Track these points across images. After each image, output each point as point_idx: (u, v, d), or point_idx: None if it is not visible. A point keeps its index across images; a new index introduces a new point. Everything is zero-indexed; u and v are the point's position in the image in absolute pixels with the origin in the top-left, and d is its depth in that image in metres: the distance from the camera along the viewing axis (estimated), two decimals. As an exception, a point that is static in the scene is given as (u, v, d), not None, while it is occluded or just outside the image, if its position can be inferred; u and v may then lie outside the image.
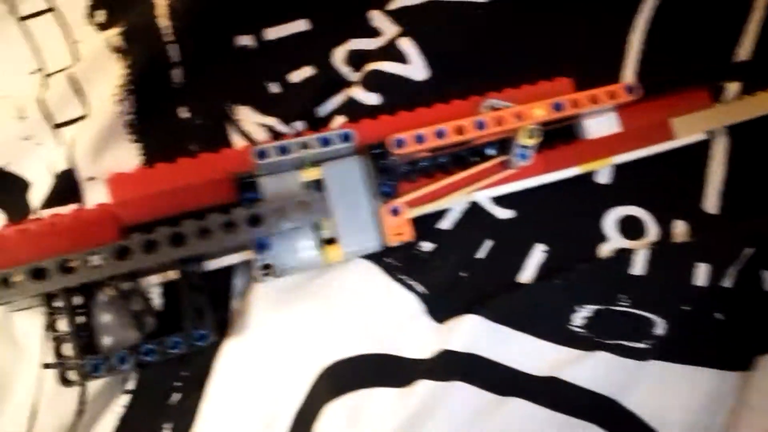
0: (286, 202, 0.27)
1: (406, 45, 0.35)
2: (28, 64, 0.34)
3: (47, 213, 0.29)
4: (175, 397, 0.30)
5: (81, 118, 0.32)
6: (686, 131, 0.36)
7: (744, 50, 0.36)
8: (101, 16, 0.35)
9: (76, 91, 0.32)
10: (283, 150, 0.29)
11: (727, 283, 0.31)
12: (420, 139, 0.30)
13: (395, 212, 0.28)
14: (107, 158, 0.30)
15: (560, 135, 0.34)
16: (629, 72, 0.37)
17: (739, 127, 0.35)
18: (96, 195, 0.30)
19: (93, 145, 0.30)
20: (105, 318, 0.26)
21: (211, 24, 0.33)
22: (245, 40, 0.34)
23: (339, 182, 0.30)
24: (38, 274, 0.23)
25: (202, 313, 0.27)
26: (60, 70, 0.33)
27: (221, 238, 0.25)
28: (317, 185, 0.30)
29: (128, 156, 0.31)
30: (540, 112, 0.31)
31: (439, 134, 0.30)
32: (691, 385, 0.29)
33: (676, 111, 0.36)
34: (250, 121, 0.33)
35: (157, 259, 0.24)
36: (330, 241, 0.29)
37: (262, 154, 0.28)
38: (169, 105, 0.32)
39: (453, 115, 0.32)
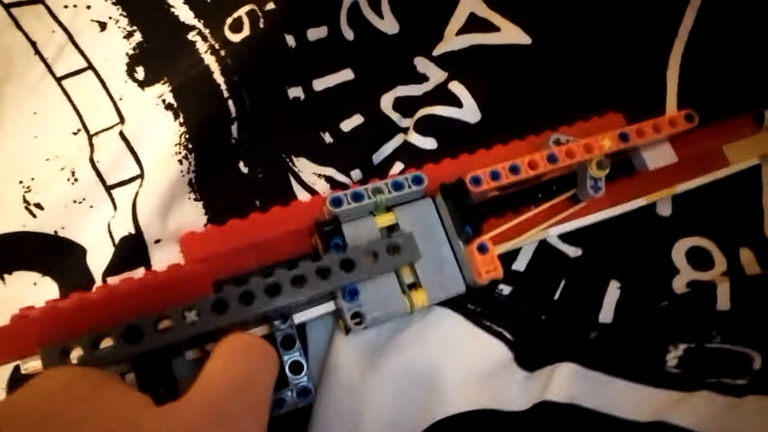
0: (376, 245, 0.27)
1: (457, 88, 0.37)
2: (71, 124, 0.34)
3: (113, 280, 0.29)
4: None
5: (135, 178, 0.32)
6: (739, 157, 0.38)
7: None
8: (140, 73, 0.36)
9: (128, 150, 0.32)
10: (357, 197, 0.30)
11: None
12: (495, 176, 0.31)
13: (482, 249, 0.29)
14: (171, 219, 0.30)
15: (619, 169, 0.36)
16: (671, 105, 0.39)
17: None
18: (164, 257, 0.30)
19: (156, 206, 0.30)
20: (188, 380, 0.25)
21: (263, 77, 0.34)
22: (296, 92, 0.36)
23: (415, 226, 0.31)
24: (133, 334, 0.23)
25: (300, 368, 0.26)
26: (106, 129, 0.34)
27: (315, 286, 0.26)
28: (391, 231, 0.31)
29: (193, 215, 0.31)
30: (608, 143, 0.33)
31: (514, 170, 0.31)
32: None
33: (726, 138, 0.39)
34: (309, 171, 0.34)
35: (254, 311, 0.24)
36: (411, 286, 0.30)
37: (337, 202, 0.29)
38: (230, 161, 0.33)
39: (513, 155, 0.33)
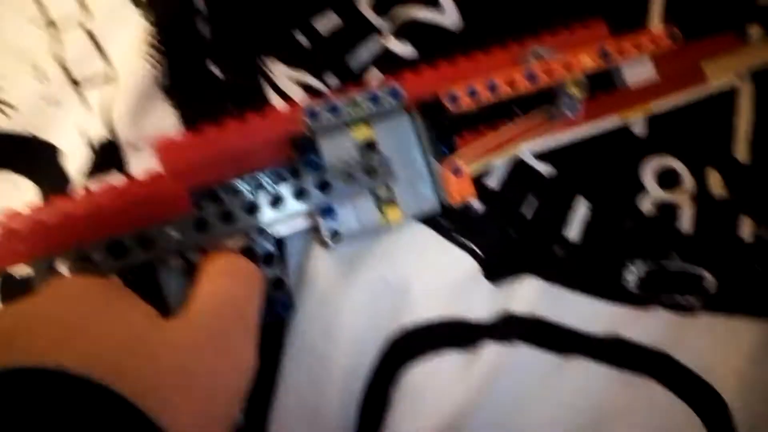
0: (352, 167, 0.28)
1: (437, -11, 0.36)
2: (32, 15, 0.32)
3: (92, 185, 0.29)
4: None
5: (107, 79, 0.31)
6: (719, 74, 0.39)
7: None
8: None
9: (97, 50, 0.31)
10: (333, 109, 0.30)
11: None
12: (473, 94, 0.31)
13: (457, 172, 0.30)
14: (146, 123, 0.30)
15: (598, 85, 0.36)
16: (656, 15, 0.39)
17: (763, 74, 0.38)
18: (140, 163, 0.30)
19: (130, 109, 0.30)
20: (174, 288, 0.27)
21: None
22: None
23: (392, 142, 0.31)
24: (117, 249, 0.24)
25: (281, 282, 0.28)
26: (70, 22, 0.32)
27: (293, 206, 0.27)
28: (369, 145, 0.31)
29: (166, 119, 0.31)
30: (588, 61, 0.33)
31: (492, 88, 0.32)
32: (738, 336, 0.32)
33: (706, 55, 0.39)
34: (283, 76, 0.34)
35: (234, 229, 0.26)
36: (387, 203, 0.31)
37: (313, 115, 0.30)
38: (201, 62, 0.32)
39: (494, 65, 0.34)
